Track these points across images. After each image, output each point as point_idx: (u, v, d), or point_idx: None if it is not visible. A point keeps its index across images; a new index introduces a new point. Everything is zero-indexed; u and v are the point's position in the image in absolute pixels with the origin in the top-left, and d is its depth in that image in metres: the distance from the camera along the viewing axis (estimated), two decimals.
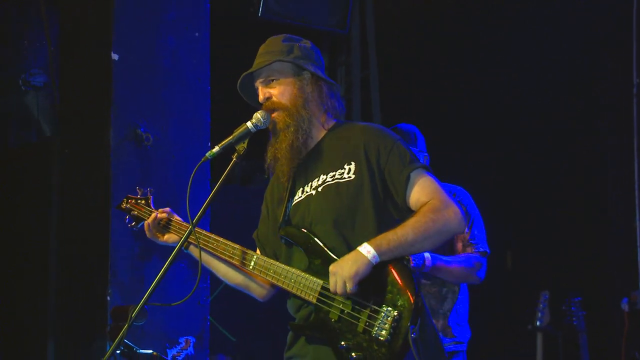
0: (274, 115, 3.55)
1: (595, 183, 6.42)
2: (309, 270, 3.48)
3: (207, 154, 3.36)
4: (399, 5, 8.09)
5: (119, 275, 4.93)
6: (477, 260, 4.50)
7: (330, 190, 3.50)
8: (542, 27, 7.19)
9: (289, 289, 3.50)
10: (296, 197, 3.62)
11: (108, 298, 4.86)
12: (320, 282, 3.41)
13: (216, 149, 3.36)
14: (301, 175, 3.61)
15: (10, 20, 6.29)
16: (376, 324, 3.33)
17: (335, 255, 3.43)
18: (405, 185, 3.43)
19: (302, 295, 3.46)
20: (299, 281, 3.48)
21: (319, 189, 3.55)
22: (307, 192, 3.59)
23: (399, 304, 3.33)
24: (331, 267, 3.36)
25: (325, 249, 3.48)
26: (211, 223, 5.21)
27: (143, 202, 3.93)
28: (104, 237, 4.98)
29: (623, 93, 6.95)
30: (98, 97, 5.22)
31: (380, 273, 3.36)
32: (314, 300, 3.42)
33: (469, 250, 4.53)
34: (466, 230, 4.74)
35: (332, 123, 3.63)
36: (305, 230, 3.54)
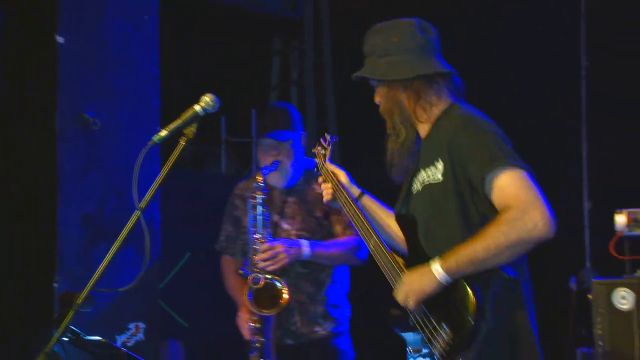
0: (387, 124, 3.58)
1: (544, 163, 6.47)
2: (412, 262, 3.46)
3: (154, 138, 3.27)
4: None
5: (66, 262, 4.84)
6: (357, 242, 4.48)
7: (425, 190, 3.45)
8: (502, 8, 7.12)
9: (389, 277, 3.49)
10: (414, 186, 3.56)
11: (55, 285, 4.78)
12: None
13: (164, 132, 3.26)
14: (417, 164, 3.56)
15: None
16: (434, 341, 3.27)
17: (428, 255, 3.37)
18: (483, 185, 3.27)
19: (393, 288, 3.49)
20: (392, 276, 3.47)
21: (420, 188, 3.50)
22: (416, 186, 3.53)
23: (457, 326, 3.21)
24: (404, 276, 3.37)
25: (421, 247, 3.46)
26: (164, 207, 5.25)
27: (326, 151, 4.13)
28: (50, 224, 4.88)
29: (572, 75, 7.07)
30: (43, 81, 5.10)
31: (448, 288, 3.26)
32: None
33: (348, 233, 4.52)
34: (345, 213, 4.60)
35: (439, 110, 3.53)
36: (411, 220, 3.50)
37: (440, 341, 3.20)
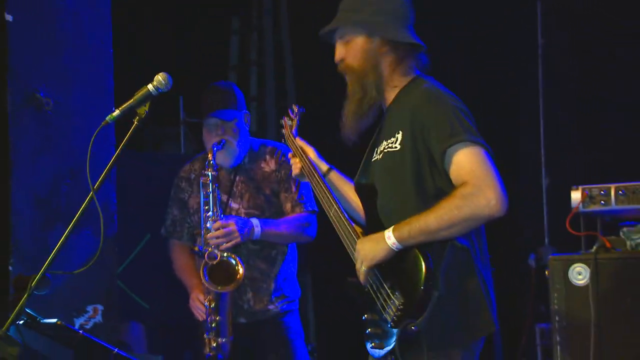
0: (347, 78, 3.58)
1: (501, 140, 6.51)
2: (368, 228, 3.52)
3: (107, 118, 3.31)
4: None
5: (21, 245, 4.78)
6: (306, 219, 4.57)
7: (385, 157, 3.49)
8: None
9: (346, 248, 3.55)
10: (374, 155, 3.61)
11: (10, 268, 4.72)
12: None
13: (116, 112, 3.30)
14: (379, 134, 3.63)
15: None
16: (387, 306, 3.32)
17: (384, 222, 3.42)
18: (442, 161, 3.33)
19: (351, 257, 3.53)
20: (350, 245, 3.51)
21: (380, 156, 3.55)
22: (377, 154, 3.58)
23: (407, 292, 3.27)
24: (358, 242, 3.43)
25: (378, 212, 3.49)
26: (122, 189, 5.23)
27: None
28: (3, 206, 4.79)
29: (529, 52, 7.02)
30: None
31: (404, 256, 3.30)
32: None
33: (297, 210, 4.57)
34: (294, 190, 4.83)
35: (408, 78, 3.57)
36: (369, 187, 3.56)
37: (393, 307, 3.26)
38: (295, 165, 3.91)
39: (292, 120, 4.12)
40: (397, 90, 3.51)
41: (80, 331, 4.41)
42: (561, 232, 5.16)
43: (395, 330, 3.27)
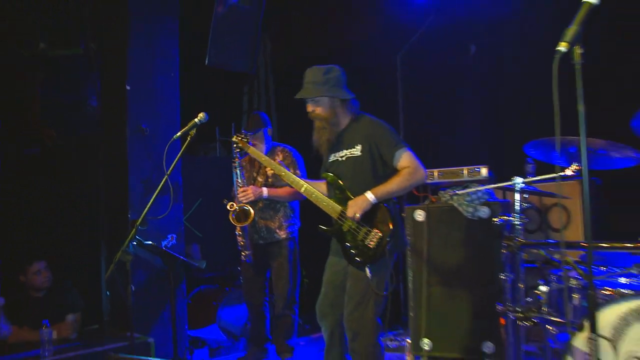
0: (317, 122, 3.55)
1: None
2: (334, 198, 3.52)
3: (174, 137, 3.46)
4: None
5: (133, 204, 4.82)
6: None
7: (349, 160, 3.52)
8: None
9: (321, 206, 3.51)
10: (332, 158, 3.62)
11: (129, 216, 4.82)
12: (340, 207, 3.45)
13: (178, 134, 3.45)
14: (336, 146, 3.60)
15: None
16: (368, 237, 3.33)
17: (351, 195, 3.46)
18: (392, 159, 3.42)
19: (328, 212, 3.50)
20: (328, 204, 3.49)
21: (343, 158, 3.54)
22: (337, 157, 3.58)
23: (382, 228, 3.33)
24: (350, 202, 3.39)
25: (346, 190, 3.48)
26: (185, 175, 5.17)
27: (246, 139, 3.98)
28: (124, 185, 4.84)
29: (389, 60, 6.52)
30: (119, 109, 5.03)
31: (376, 210, 3.36)
32: (336, 217, 3.47)
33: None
34: (291, 171, 4.60)
35: (352, 115, 3.58)
36: (334, 176, 3.55)
37: (375, 237, 3.33)
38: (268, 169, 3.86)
39: (245, 137, 4.00)
40: (346, 122, 3.58)
41: (164, 248, 4.53)
42: (411, 194, 4.83)
43: (371, 248, 3.32)
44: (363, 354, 3.41)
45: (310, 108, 3.56)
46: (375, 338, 3.42)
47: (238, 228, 4.69)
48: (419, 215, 4.81)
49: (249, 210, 4.63)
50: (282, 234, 4.90)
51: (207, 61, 5.50)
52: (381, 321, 3.44)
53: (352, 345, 3.44)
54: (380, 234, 3.31)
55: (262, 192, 4.68)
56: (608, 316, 2.63)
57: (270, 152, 4.88)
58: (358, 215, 3.35)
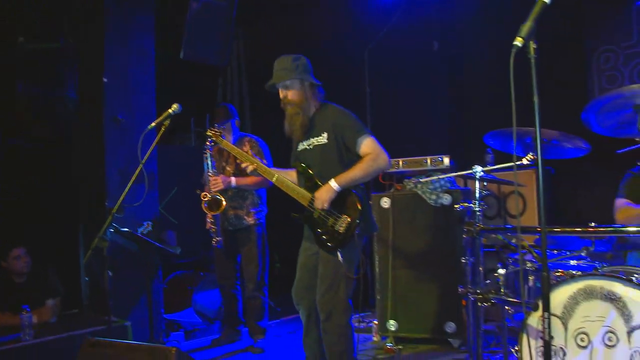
0: (289, 107, 3.48)
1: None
2: (304, 186, 3.48)
3: (148, 127, 3.37)
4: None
5: (111, 192, 4.77)
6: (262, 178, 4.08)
7: (316, 148, 3.47)
8: None
9: (292, 195, 3.48)
10: (300, 146, 3.56)
11: (106, 204, 4.77)
12: (310, 195, 3.41)
13: (153, 124, 3.37)
14: (305, 134, 3.54)
15: None
16: (338, 222, 3.30)
17: (319, 182, 3.41)
18: (355, 145, 3.37)
19: (299, 200, 3.46)
20: (299, 192, 3.45)
21: (311, 147, 3.50)
22: (305, 146, 3.53)
23: (351, 214, 3.31)
24: (316, 193, 3.36)
25: (315, 178, 3.44)
26: (161, 164, 5.17)
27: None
28: (102, 173, 4.79)
29: (359, 55, 6.47)
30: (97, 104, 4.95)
31: (344, 196, 3.33)
32: (306, 205, 3.43)
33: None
34: (265, 160, 4.75)
35: (319, 104, 3.54)
36: (305, 165, 3.51)
37: (344, 222, 3.30)
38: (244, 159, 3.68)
39: (218, 132, 3.99)
40: (314, 110, 3.53)
41: (140, 235, 4.66)
42: (377, 182, 5.01)
43: (341, 233, 3.28)
44: (335, 333, 3.41)
45: (282, 94, 3.51)
46: (347, 319, 3.42)
47: (209, 215, 4.65)
48: (385, 202, 4.80)
49: (221, 199, 4.62)
50: (250, 221, 4.88)
51: (182, 55, 5.47)
52: (352, 303, 3.47)
53: (324, 325, 3.44)
54: (349, 219, 3.28)
55: (231, 181, 4.68)
56: (559, 296, 2.67)
57: (237, 142, 4.86)
58: (325, 206, 3.34)
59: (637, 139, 3.63)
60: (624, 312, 2.52)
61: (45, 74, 5.46)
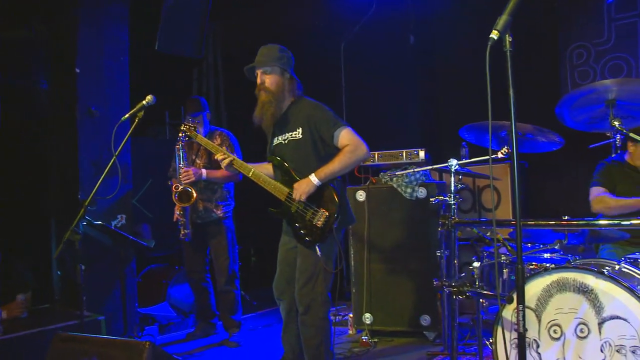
0: (263, 94, 3.45)
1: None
2: (281, 180, 3.46)
3: (122, 118, 3.34)
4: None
5: (83, 184, 4.68)
6: (232, 172, 4.19)
7: (291, 143, 3.44)
8: None
9: (269, 189, 3.46)
10: (275, 141, 3.54)
11: (79, 196, 4.66)
12: (287, 190, 3.40)
13: (126, 115, 3.34)
14: (279, 127, 3.52)
15: None
16: (316, 216, 3.30)
17: (297, 177, 3.40)
18: (332, 138, 3.37)
19: (276, 194, 3.44)
20: (275, 186, 3.43)
21: (286, 141, 3.47)
22: (280, 140, 3.50)
23: (329, 207, 3.31)
24: (295, 185, 3.35)
25: (292, 172, 3.42)
26: (135, 156, 5.09)
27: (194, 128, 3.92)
28: (75, 165, 4.73)
29: (334, 54, 6.51)
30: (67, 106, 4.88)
31: (322, 189, 3.32)
32: (283, 199, 3.42)
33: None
34: (235, 153, 4.74)
35: (294, 98, 3.52)
36: (280, 159, 3.49)
37: (322, 216, 3.30)
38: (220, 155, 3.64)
39: (193, 127, 3.95)
40: (289, 103, 3.52)
41: (114, 228, 4.59)
42: (352, 175, 5.09)
43: (320, 227, 3.29)
44: (312, 326, 3.41)
45: (260, 79, 3.49)
46: (325, 312, 3.42)
47: (178, 207, 4.67)
48: (360, 195, 4.81)
49: (192, 191, 4.63)
50: (219, 214, 4.88)
51: (157, 46, 5.41)
52: (331, 296, 3.47)
53: (302, 318, 3.44)
54: (327, 213, 3.29)
55: (201, 173, 4.69)
56: (533, 288, 2.71)
57: (208, 136, 4.86)
58: (303, 197, 3.33)
59: (608, 134, 3.72)
60: (596, 304, 2.55)
61: (16, 64, 5.33)
